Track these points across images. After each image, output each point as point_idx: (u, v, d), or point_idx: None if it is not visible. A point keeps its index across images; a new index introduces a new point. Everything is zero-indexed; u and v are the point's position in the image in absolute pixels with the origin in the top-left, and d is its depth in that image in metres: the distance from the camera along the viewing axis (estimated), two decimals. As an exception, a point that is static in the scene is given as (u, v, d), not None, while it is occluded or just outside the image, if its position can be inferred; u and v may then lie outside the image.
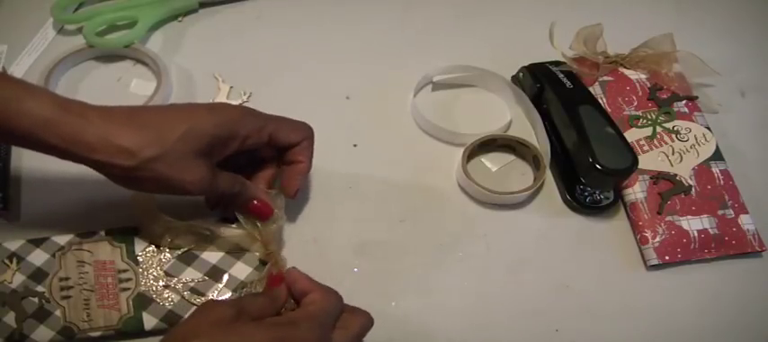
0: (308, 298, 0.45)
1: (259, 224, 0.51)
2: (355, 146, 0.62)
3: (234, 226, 0.52)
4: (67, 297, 0.49)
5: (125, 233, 0.52)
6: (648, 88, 0.64)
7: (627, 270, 0.56)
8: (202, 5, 0.71)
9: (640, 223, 0.57)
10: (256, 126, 0.48)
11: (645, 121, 0.62)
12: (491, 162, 0.61)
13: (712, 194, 0.58)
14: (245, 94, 0.64)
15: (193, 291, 0.50)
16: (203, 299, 0.50)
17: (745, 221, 0.57)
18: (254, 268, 0.52)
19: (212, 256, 0.52)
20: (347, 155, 0.61)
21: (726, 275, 0.56)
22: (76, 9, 0.69)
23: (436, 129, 0.62)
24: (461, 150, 0.59)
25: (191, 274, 0.51)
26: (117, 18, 0.67)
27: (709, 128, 0.62)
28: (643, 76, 0.65)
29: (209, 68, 0.66)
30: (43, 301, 0.49)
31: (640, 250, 0.57)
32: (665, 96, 0.63)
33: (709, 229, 0.56)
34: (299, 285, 0.46)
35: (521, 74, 0.65)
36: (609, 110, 0.61)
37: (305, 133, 0.52)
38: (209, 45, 0.68)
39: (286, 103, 0.64)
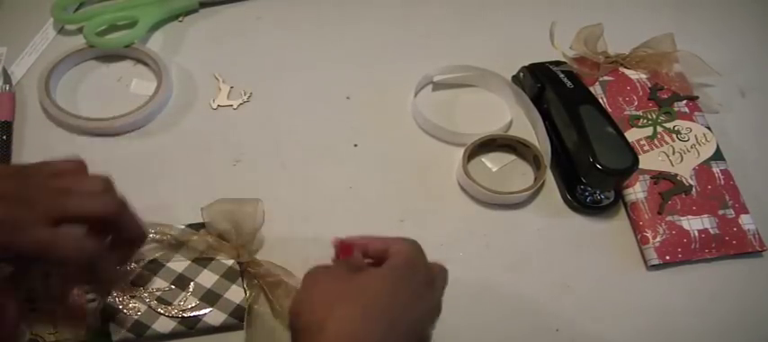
0: (391, 249, 0.44)
1: (230, 230, 0.51)
2: (355, 146, 0.62)
3: (201, 232, 0.51)
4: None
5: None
6: (649, 88, 0.64)
7: (627, 270, 0.56)
8: (202, 5, 0.71)
9: (641, 223, 0.56)
10: None
11: (645, 120, 0.62)
12: (491, 162, 0.61)
13: (713, 194, 0.58)
14: (245, 94, 0.64)
15: (160, 300, 0.50)
16: (170, 307, 0.50)
17: (746, 221, 0.57)
18: (221, 276, 0.51)
19: (178, 265, 0.51)
20: (347, 155, 0.61)
21: (726, 275, 0.56)
22: (77, 9, 0.68)
23: (436, 129, 0.62)
24: (462, 150, 0.59)
25: (157, 284, 0.50)
26: (117, 18, 0.67)
27: (709, 128, 0.62)
28: (643, 76, 0.65)
29: (209, 68, 0.66)
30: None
31: (641, 250, 0.57)
32: (665, 96, 0.63)
33: (710, 229, 0.56)
34: (375, 245, 0.45)
35: (521, 74, 0.65)
36: (609, 110, 0.61)
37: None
38: (209, 45, 0.68)
39: (286, 104, 0.64)
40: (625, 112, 0.62)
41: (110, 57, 0.66)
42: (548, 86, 0.61)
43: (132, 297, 0.50)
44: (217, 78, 0.65)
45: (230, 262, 0.52)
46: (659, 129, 0.61)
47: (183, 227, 0.52)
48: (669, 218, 0.56)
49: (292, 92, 0.65)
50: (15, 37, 0.67)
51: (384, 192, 0.59)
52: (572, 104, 0.59)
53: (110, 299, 0.49)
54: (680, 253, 0.55)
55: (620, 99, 0.63)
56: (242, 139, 0.61)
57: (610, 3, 0.75)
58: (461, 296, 0.53)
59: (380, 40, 0.70)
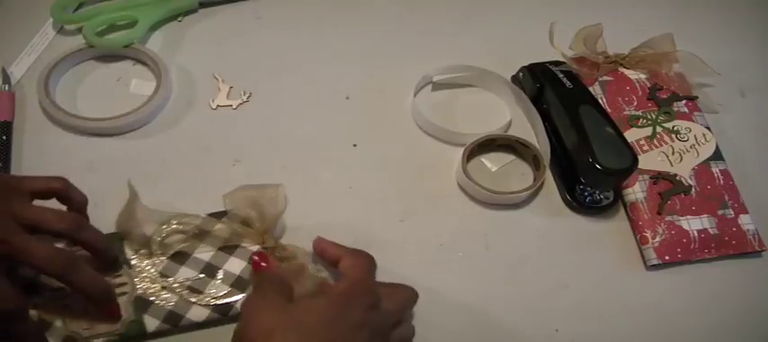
0: (341, 266, 0.47)
1: (253, 215, 0.51)
2: (355, 146, 0.62)
3: (223, 220, 0.52)
4: (65, 306, 0.49)
5: (113, 239, 0.51)
6: (648, 88, 0.64)
7: (627, 270, 0.56)
8: (202, 5, 0.71)
9: (640, 223, 0.56)
10: None
11: (645, 120, 0.62)
12: (491, 162, 0.61)
13: (712, 194, 0.58)
14: (244, 94, 0.64)
15: (191, 289, 0.50)
16: (202, 296, 0.50)
17: (745, 221, 0.57)
18: (248, 262, 0.52)
19: (204, 254, 0.52)
20: (347, 155, 0.61)
21: (726, 275, 0.56)
22: (76, 9, 0.68)
23: (436, 129, 0.62)
24: (461, 150, 0.59)
25: (186, 273, 0.51)
26: (117, 18, 0.67)
27: (709, 128, 0.62)
28: (643, 76, 0.65)
29: (209, 68, 0.66)
30: (40, 311, 0.48)
31: (640, 250, 0.57)
32: (665, 96, 0.63)
33: (709, 229, 0.56)
34: (330, 253, 0.48)
35: (521, 74, 0.65)
36: (609, 110, 0.61)
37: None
38: (209, 45, 0.68)
39: (286, 104, 0.64)
40: (624, 112, 0.62)
41: (109, 57, 0.66)
42: (547, 86, 0.61)
43: (163, 288, 0.50)
44: (216, 78, 0.65)
45: (255, 248, 0.52)
46: (659, 129, 0.61)
47: (204, 216, 0.53)
48: (668, 218, 0.56)
49: (292, 92, 0.65)
50: (14, 37, 0.67)
51: (383, 192, 0.59)
52: (571, 104, 0.59)
53: (140, 291, 0.50)
54: (679, 253, 0.55)
55: (620, 99, 0.63)
56: (241, 140, 0.61)
57: (609, 3, 0.75)
58: (461, 296, 0.54)
59: (380, 41, 0.70)
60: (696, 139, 0.61)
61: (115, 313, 0.48)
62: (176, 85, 0.64)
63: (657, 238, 0.55)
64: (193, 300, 0.50)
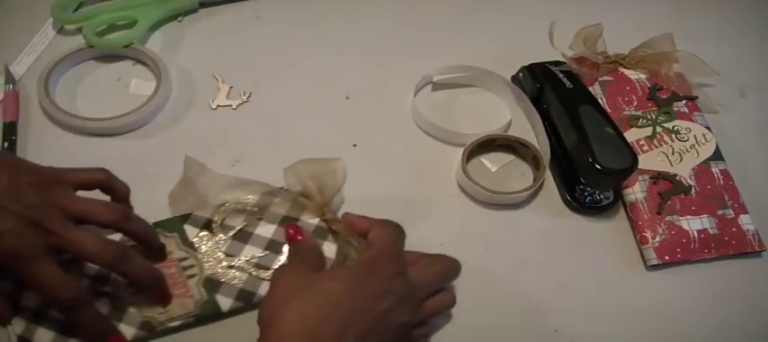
0: (369, 236, 0.48)
1: (313, 188, 0.52)
2: (355, 146, 0.62)
3: (281, 195, 0.53)
4: (137, 292, 0.49)
5: (173, 222, 0.52)
6: (648, 88, 0.64)
7: (627, 270, 0.56)
8: (202, 5, 0.71)
9: (640, 223, 0.56)
10: None
11: (645, 121, 0.62)
12: (491, 162, 0.61)
13: (712, 194, 0.58)
14: (244, 94, 0.64)
15: (259, 266, 0.51)
16: (270, 271, 0.51)
17: (745, 221, 0.57)
18: (312, 235, 0.52)
19: (266, 230, 0.52)
20: (347, 155, 0.61)
21: (726, 275, 0.56)
22: (76, 9, 0.68)
23: (436, 129, 0.62)
24: (461, 150, 0.59)
25: (251, 251, 0.51)
26: (117, 18, 0.67)
27: (709, 128, 0.62)
28: (643, 76, 0.65)
29: (208, 68, 0.66)
30: (113, 299, 0.48)
31: (640, 250, 0.57)
32: (664, 96, 0.63)
33: (709, 229, 0.56)
34: (359, 225, 0.50)
35: (521, 74, 0.65)
36: (609, 110, 0.61)
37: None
38: (208, 45, 0.68)
39: (285, 104, 0.64)
40: (624, 113, 0.62)
41: (109, 57, 0.66)
42: (547, 86, 0.61)
43: (230, 267, 0.51)
44: (216, 78, 0.65)
45: (315, 221, 0.53)
46: (658, 129, 0.61)
47: (262, 193, 0.53)
48: (668, 218, 0.56)
49: (292, 92, 0.65)
50: (15, 36, 0.67)
51: (383, 192, 0.59)
52: (571, 104, 0.59)
53: (209, 272, 0.50)
54: (679, 253, 0.55)
55: (620, 99, 0.63)
56: (241, 140, 0.61)
57: (609, 3, 0.75)
58: (461, 296, 0.53)
59: (380, 40, 0.70)
60: (696, 139, 0.61)
61: (167, 299, 0.49)
62: (176, 85, 0.64)
63: (657, 239, 0.55)
64: (264, 276, 0.50)
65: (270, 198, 0.53)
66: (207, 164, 0.59)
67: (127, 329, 0.48)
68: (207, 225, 0.52)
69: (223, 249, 0.51)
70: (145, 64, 0.66)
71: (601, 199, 0.58)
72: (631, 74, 0.65)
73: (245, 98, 0.64)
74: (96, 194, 0.50)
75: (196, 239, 0.52)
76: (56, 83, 0.63)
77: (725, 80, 0.67)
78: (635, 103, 0.63)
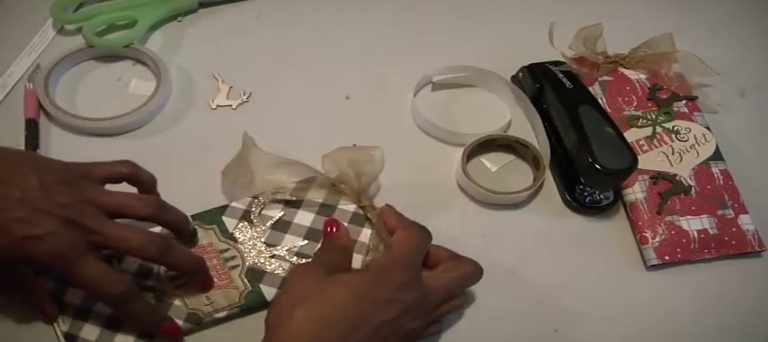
0: (394, 237, 0.48)
1: (351, 175, 0.53)
2: (354, 145, 0.61)
3: (316, 183, 0.54)
4: (181, 285, 0.49)
5: (211, 214, 0.53)
6: (648, 88, 0.64)
7: (627, 270, 0.56)
8: (202, 5, 0.71)
9: (640, 223, 0.56)
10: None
11: (645, 121, 0.62)
12: (491, 162, 0.61)
13: (712, 194, 0.58)
14: (244, 94, 0.64)
15: (300, 255, 0.51)
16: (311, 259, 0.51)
17: (745, 221, 0.57)
18: (349, 222, 0.53)
19: (305, 219, 0.53)
20: (347, 155, 0.61)
21: (726, 275, 0.56)
22: (76, 9, 0.68)
23: (436, 129, 0.62)
24: (461, 150, 0.59)
25: (291, 241, 0.52)
26: (117, 18, 0.67)
27: (708, 128, 0.62)
28: (643, 76, 0.65)
29: (208, 68, 0.66)
30: (158, 293, 0.49)
31: (640, 250, 0.56)
32: (664, 96, 0.63)
33: (709, 229, 0.56)
34: (389, 223, 0.50)
35: (521, 74, 0.65)
36: (609, 110, 0.61)
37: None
38: (208, 45, 0.68)
39: (285, 103, 0.64)
40: (624, 113, 0.62)
41: (109, 57, 0.66)
42: (547, 86, 0.61)
43: (272, 257, 0.51)
44: (216, 78, 0.65)
45: (352, 208, 0.54)
46: (658, 129, 0.61)
47: (296, 181, 0.54)
48: (668, 218, 0.56)
49: (291, 92, 0.65)
50: (15, 36, 0.67)
51: (383, 192, 0.59)
52: (571, 105, 0.59)
53: (250, 262, 0.51)
54: (679, 253, 0.55)
55: (620, 99, 0.63)
56: (241, 140, 0.61)
57: (609, 3, 0.75)
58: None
59: (380, 40, 0.70)
60: (696, 139, 0.61)
61: (210, 284, 0.49)
62: (176, 85, 0.64)
63: (657, 239, 0.55)
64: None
65: (306, 186, 0.54)
66: (206, 164, 0.59)
67: None
68: (245, 216, 0.53)
69: (263, 239, 0.52)
70: (145, 64, 0.66)
71: (601, 199, 0.58)
72: (631, 74, 0.65)
73: (245, 98, 0.64)
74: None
75: (235, 231, 0.52)
76: (56, 83, 0.63)
77: (725, 80, 0.67)
78: (635, 103, 0.63)
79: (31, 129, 0.59)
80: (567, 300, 0.54)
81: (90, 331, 0.47)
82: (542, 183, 0.60)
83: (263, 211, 0.53)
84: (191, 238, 0.51)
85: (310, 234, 0.52)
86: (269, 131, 0.62)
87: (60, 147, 0.59)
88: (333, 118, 0.63)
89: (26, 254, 0.41)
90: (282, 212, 0.53)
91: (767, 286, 0.56)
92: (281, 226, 0.53)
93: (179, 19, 0.70)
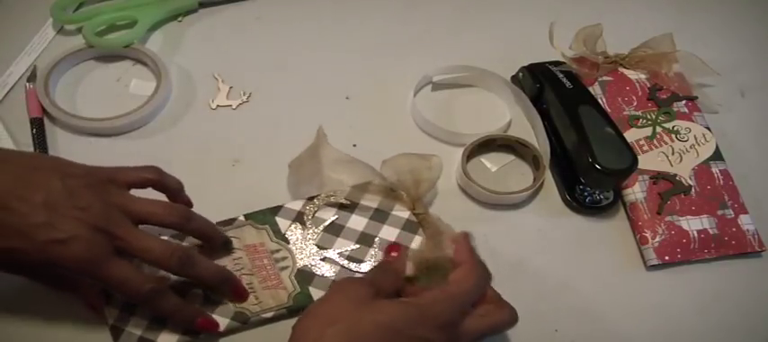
0: (453, 274, 0.45)
1: (410, 182, 0.53)
2: (355, 146, 0.62)
3: (371, 189, 0.54)
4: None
5: (264, 215, 0.53)
6: (648, 88, 0.64)
7: (627, 270, 0.56)
8: (202, 5, 0.71)
9: (640, 223, 0.56)
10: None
11: (645, 121, 0.62)
12: (491, 162, 0.61)
13: (712, 194, 0.58)
14: (244, 94, 0.64)
15: (351, 259, 0.51)
16: (362, 265, 0.51)
17: (745, 221, 0.57)
18: (402, 229, 0.53)
19: (358, 223, 0.53)
20: (347, 155, 0.61)
21: (726, 275, 0.56)
22: (76, 9, 0.68)
23: (436, 129, 0.62)
24: (461, 150, 0.59)
25: (343, 244, 0.52)
26: (117, 18, 0.67)
27: (708, 128, 0.62)
28: (643, 76, 0.65)
29: (208, 68, 0.66)
30: (205, 292, 0.49)
31: (640, 250, 0.56)
32: (664, 96, 0.63)
33: (709, 230, 0.56)
34: (458, 251, 0.47)
35: (520, 74, 0.65)
36: (609, 110, 0.61)
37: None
38: (208, 45, 0.68)
39: (285, 103, 0.64)
40: (624, 113, 0.62)
41: (109, 57, 0.66)
42: (547, 87, 0.61)
43: (323, 260, 0.51)
44: (216, 78, 0.65)
45: (405, 215, 0.54)
46: (658, 129, 0.61)
47: (352, 186, 0.54)
48: (668, 218, 0.56)
49: (291, 92, 0.65)
50: (15, 36, 0.67)
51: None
52: (571, 105, 0.59)
53: (301, 264, 0.51)
54: (679, 253, 0.55)
55: (620, 99, 0.63)
56: (241, 140, 0.61)
57: (609, 3, 0.75)
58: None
59: (380, 40, 0.70)
60: (696, 140, 0.61)
61: (243, 294, 0.49)
62: (176, 86, 0.64)
63: (657, 239, 0.55)
64: (354, 268, 0.51)
65: (361, 190, 0.54)
66: (206, 164, 0.59)
67: (220, 320, 0.48)
68: (298, 217, 0.53)
69: (315, 241, 0.52)
70: (145, 64, 0.66)
71: (601, 199, 0.58)
72: (631, 74, 0.65)
73: (245, 98, 0.64)
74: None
75: (288, 232, 0.52)
76: (56, 83, 0.63)
77: (725, 80, 0.67)
78: (635, 104, 0.63)
79: (39, 127, 0.59)
80: (567, 300, 0.54)
81: (137, 324, 0.47)
82: (542, 183, 0.60)
83: (317, 214, 0.53)
84: (224, 247, 0.51)
85: (362, 239, 0.53)
86: (269, 131, 0.62)
87: (60, 147, 0.59)
88: (333, 118, 0.63)
89: (50, 258, 0.41)
90: (336, 216, 0.53)
91: (767, 286, 0.56)
92: (334, 229, 0.53)
93: (179, 19, 0.70)
